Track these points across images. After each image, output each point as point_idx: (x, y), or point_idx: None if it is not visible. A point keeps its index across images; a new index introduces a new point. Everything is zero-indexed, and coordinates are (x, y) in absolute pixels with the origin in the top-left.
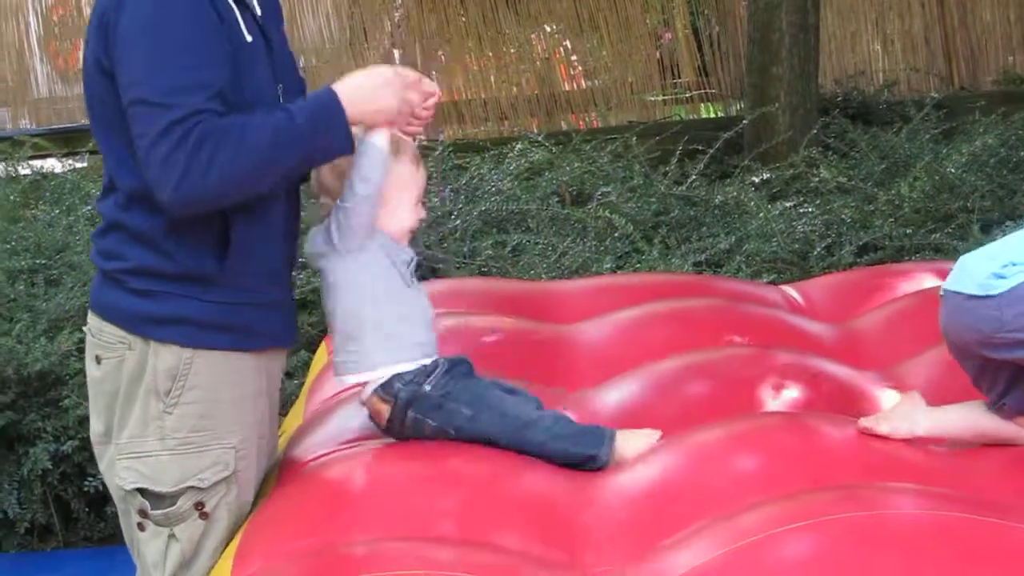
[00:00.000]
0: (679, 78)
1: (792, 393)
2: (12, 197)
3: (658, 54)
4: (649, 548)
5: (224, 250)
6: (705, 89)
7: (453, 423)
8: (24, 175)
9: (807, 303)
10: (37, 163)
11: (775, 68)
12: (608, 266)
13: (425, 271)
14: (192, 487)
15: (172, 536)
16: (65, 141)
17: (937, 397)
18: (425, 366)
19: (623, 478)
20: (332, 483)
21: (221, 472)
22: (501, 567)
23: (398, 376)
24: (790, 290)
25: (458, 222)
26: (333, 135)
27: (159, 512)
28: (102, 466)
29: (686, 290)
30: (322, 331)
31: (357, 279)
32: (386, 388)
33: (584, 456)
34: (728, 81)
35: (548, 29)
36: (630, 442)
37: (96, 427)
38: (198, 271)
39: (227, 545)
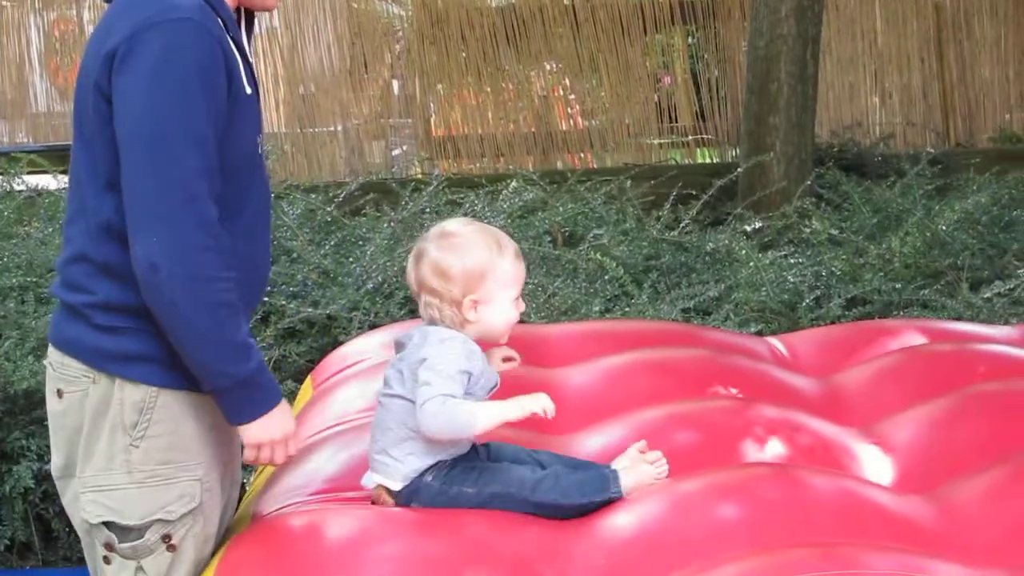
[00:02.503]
0: (676, 122)
1: (773, 447)
2: (6, 213)
3: (656, 97)
4: None
5: None
6: (702, 134)
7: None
8: (19, 191)
9: (792, 356)
10: (32, 180)
11: (772, 118)
12: (597, 309)
13: None
14: (159, 519)
15: (140, 569)
16: (61, 159)
17: (921, 455)
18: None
19: (603, 528)
20: (303, 535)
21: (188, 504)
22: None
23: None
24: (776, 342)
25: None
26: (246, 396)
27: (126, 545)
28: (65, 500)
29: (673, 339)
30: (310, 361)
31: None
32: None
33: (599, 503)
34: (725, 127)
35: (548, 67)
36: (633, 474)
37: (57, 461)
38: None
39: None
